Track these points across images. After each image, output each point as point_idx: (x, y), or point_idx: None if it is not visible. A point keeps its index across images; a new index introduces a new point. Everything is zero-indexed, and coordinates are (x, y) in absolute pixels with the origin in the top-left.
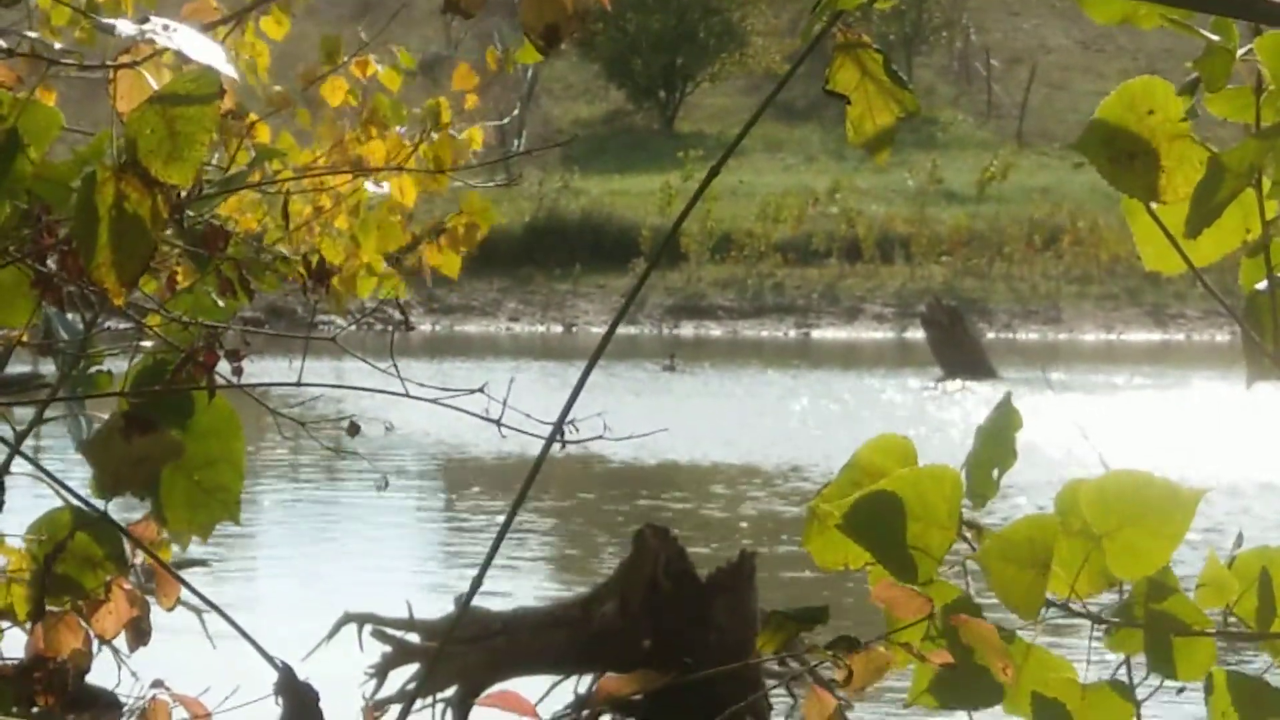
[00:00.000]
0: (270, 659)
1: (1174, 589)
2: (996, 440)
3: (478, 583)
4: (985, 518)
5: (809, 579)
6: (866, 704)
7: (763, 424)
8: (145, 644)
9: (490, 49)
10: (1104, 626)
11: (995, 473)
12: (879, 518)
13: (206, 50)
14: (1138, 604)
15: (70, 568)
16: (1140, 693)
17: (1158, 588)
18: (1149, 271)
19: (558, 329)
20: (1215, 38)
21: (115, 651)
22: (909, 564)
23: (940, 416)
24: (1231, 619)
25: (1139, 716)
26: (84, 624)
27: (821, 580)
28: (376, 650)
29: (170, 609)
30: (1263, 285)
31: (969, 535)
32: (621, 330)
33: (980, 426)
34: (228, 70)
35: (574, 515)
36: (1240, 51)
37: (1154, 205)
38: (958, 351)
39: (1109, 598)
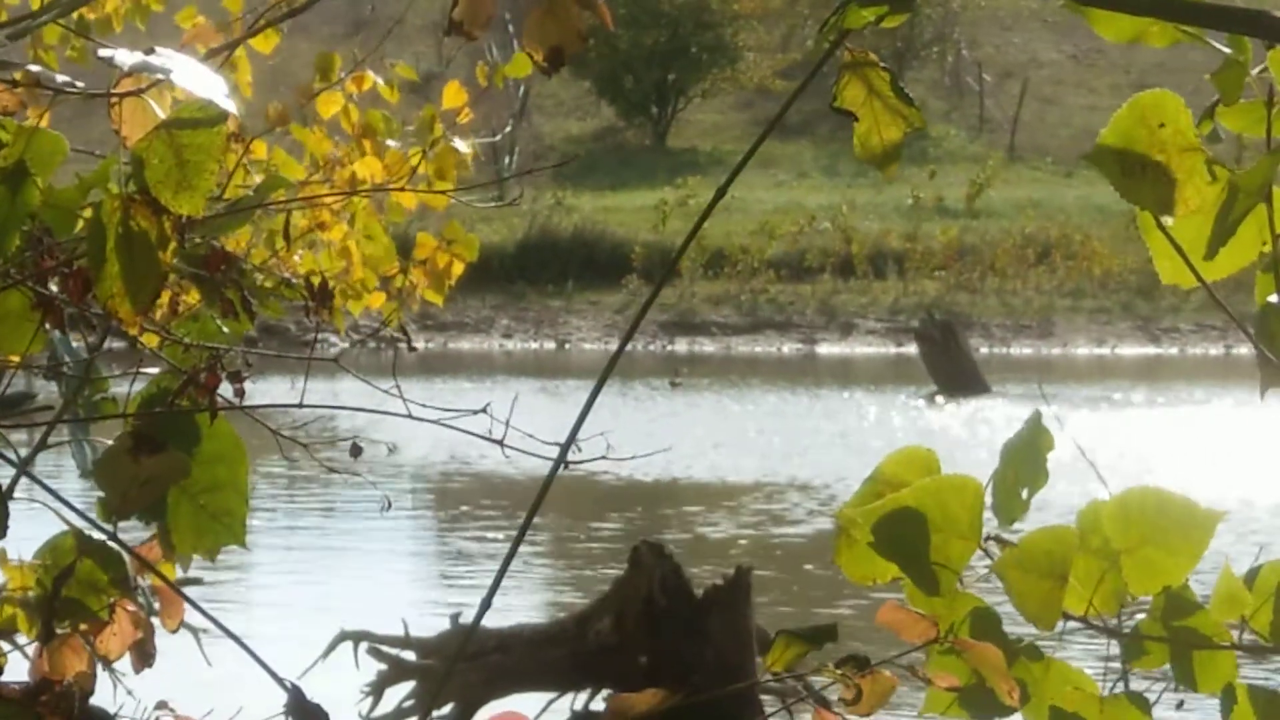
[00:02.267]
0: (279, 679)
1: (1194, 603)
2: (1026, 459)
3: (487, 603)
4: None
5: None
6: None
7: (758, 442)
8: (150, 665)
9: (480, 65)
10: (1116, 641)
11: (1025, 492)
12: (903, 531)
13: (207, 83)
14: (1156, 619)
15: (75, 592)
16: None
17: (1176, 602)
18: (1141, 285)
19: (550, 346)
20: (1228, 51)
21: (112, 672)
22: (934, 578)
23: (942, 432)
24: (1249, 634)
25: None
26: (88, 646)
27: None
28: (372, 668)
29: (174, 630)
30: (1274, 298)
31: (992, 548)
32: (615, 348)
33: (1007, 444)
34: (228, 105)
35: (570, 532)
36: (1255, 71)
37: (1166, 220)
38: (951, 366)
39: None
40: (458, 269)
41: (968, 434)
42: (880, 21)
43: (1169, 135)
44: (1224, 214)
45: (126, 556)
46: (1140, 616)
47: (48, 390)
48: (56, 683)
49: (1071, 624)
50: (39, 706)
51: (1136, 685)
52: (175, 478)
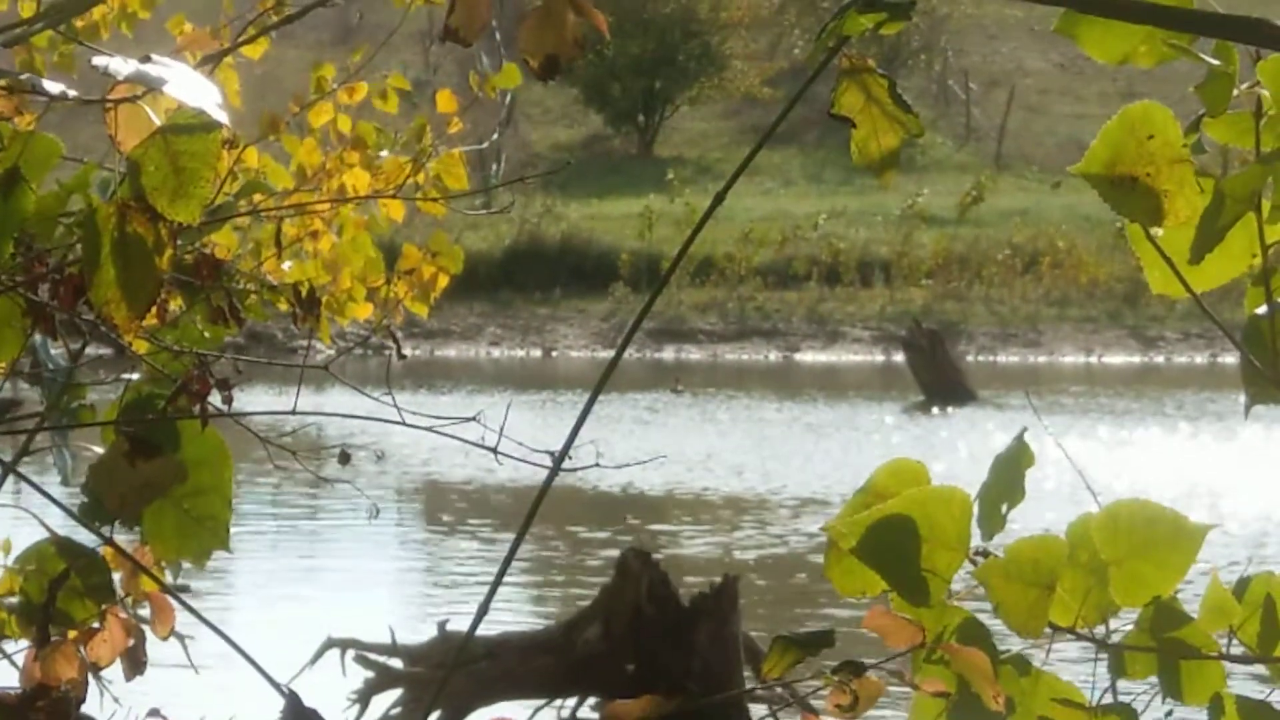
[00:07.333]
0: (277, 686)
1: (1183, 614)
2: (1007, 475)
3: (483, 610)
4: None
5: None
6: None
7: (748, 451)
8: (141, 673)
9: (472, 73)
10: (1102, 653)
11: (1004, 508)
12: (890, 542)
13: (201, 92)
14: (1145, 629)
15: (60, 599)
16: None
17: (1165, 613)
18: (1128, 294)
19: (537, 353)
20: (1215, 62)
21: (99, 679)
22: (921, 589)
23: (927, 441)
24: (1235, 644)
25: None
26: (80, 653)
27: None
28: (359, 675)
29: (165, 637)
30: (1263, 310)
31: (980, 561)
32: (602, 356)
33: (996, 459)
34: (219, 115)
35: (558, 540)
36: (1244, 86)
37: (1156, 231)
38: (938, 375)
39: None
40: (442, 281)
41: (954, 443)
42: (879, 28)
43: (1157, 147)
44: (1210, 219)
45: (117, 561)
46: (1128, 628)
47: (31, 397)
48: (53, 689)
49: (1058, 634)
50: (35, 713)
51: (1122, 698)
52: (171, 482)
